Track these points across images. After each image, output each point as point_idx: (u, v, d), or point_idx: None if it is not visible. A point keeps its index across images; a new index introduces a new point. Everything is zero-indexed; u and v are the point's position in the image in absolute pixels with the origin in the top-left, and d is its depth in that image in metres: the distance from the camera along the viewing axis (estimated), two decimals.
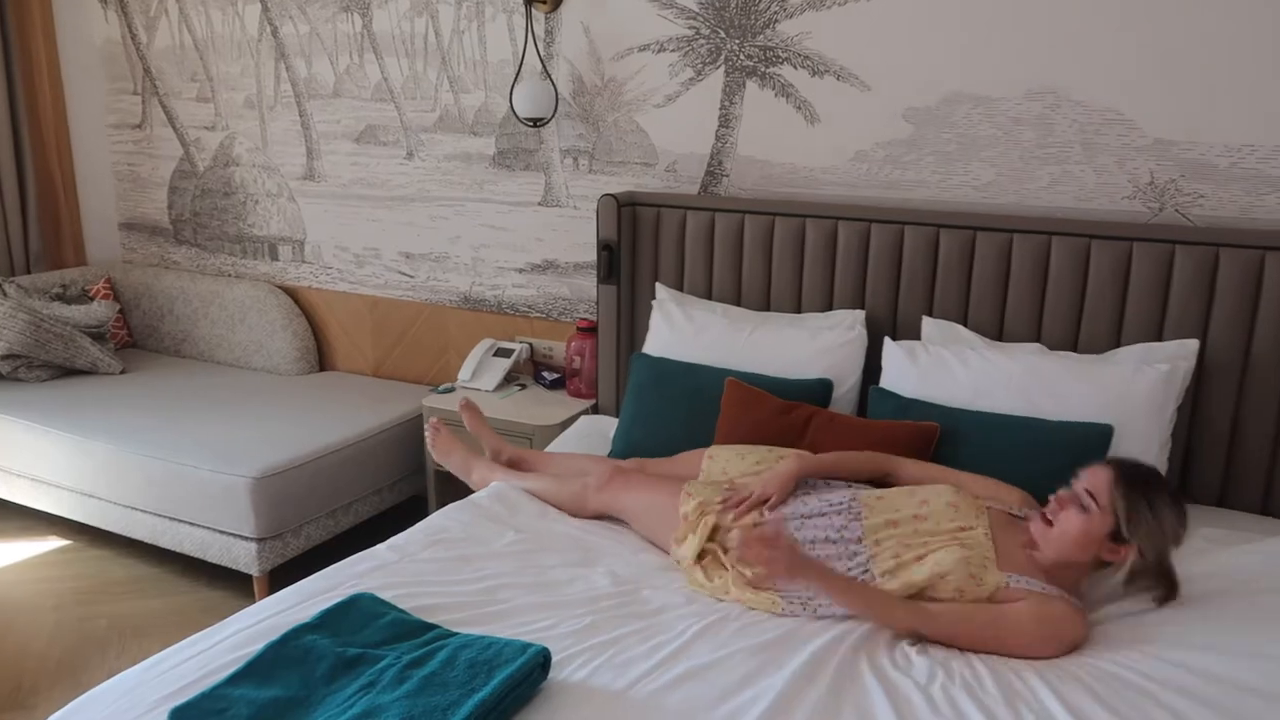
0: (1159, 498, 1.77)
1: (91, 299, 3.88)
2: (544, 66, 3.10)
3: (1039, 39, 2.47)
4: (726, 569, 1.94)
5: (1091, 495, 1.78)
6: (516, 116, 3.10)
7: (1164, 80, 2.36)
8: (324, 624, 1.63)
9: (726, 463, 2.22)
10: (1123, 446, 2.14)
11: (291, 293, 3.83)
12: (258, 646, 1.58)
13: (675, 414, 2.54)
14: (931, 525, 1.88)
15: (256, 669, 1.50)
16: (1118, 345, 2.35)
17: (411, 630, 1.65)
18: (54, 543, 3.35)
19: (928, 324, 2.52)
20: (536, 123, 3.10)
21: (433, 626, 1.67)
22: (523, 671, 1.49)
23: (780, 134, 2.84)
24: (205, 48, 3.82)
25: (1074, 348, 2.40)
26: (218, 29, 3.77)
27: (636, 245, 2.95)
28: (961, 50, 2.56)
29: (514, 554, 2.04)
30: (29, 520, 3.46)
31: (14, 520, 3.47)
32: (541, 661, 1.54)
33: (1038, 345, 2.39)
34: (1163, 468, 2.21)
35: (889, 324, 2.62)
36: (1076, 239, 2.38)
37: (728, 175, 2.95)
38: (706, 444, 2.41)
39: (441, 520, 2.18)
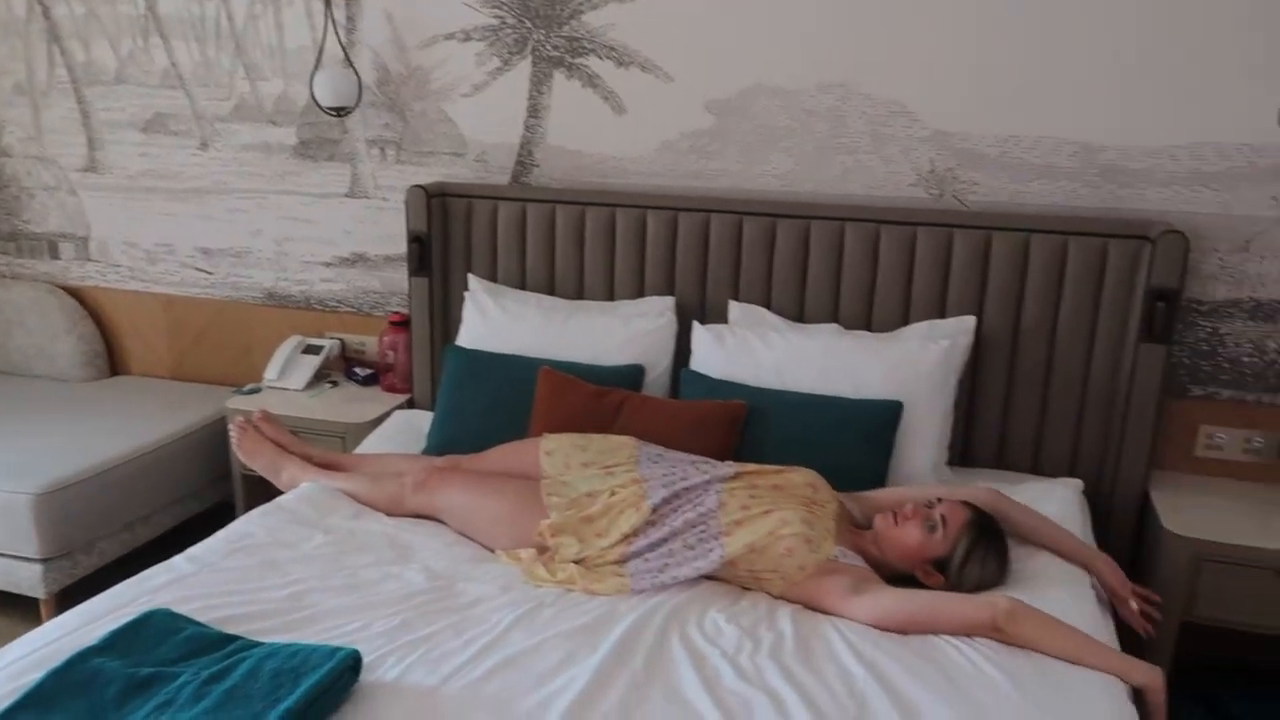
0: (993, 552, 1.92)
1: None
2: (346, 54, 3.00)
3: (829, 33, 2.60)
4: (572, 562, 1.94)
5: (944, 521, 1.91)
6: (318, 106, 2.99)
7: (940, 75, 2.54)
8: (113, 645, 1.54)
9: (566, 456, 2.17)
10: (910, 420, 2.29)
11: (75, 293, 3.56)
12: (37, 674, 1.47)
13: (490, 406, 2.53)
14: (787, 493, 1.97)
15: (36, 699, 1.40)
16: (906, 323, 2.51)
17: (211, 644, 1.58)
18: None
19: (734, 308, 2.61)
20: (340, 112, 3.00)
21: (235, 638, 1.60)
22: (330, 676, 1.46)
23: (589, 124, 2.87)
24: None
25: (868, 327, 2.55)
26: None
27: (448, 236, 2.91)
28: (758, 43, 2.66)
29: (323, 556, 1.98)
30: None
31: None
32: (351, 664, 1.51)
33: (835, 326, 2.53)
34: (946, 438, 2.38)
35: (698, 309, 2.70)
36: (867, 224, 2.52)
37: (538, 165, 2.95)
38: (521, 435, 2.42)
39: (245, 526, 2.09)
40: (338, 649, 1.52)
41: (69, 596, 2.65)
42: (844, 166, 2.68)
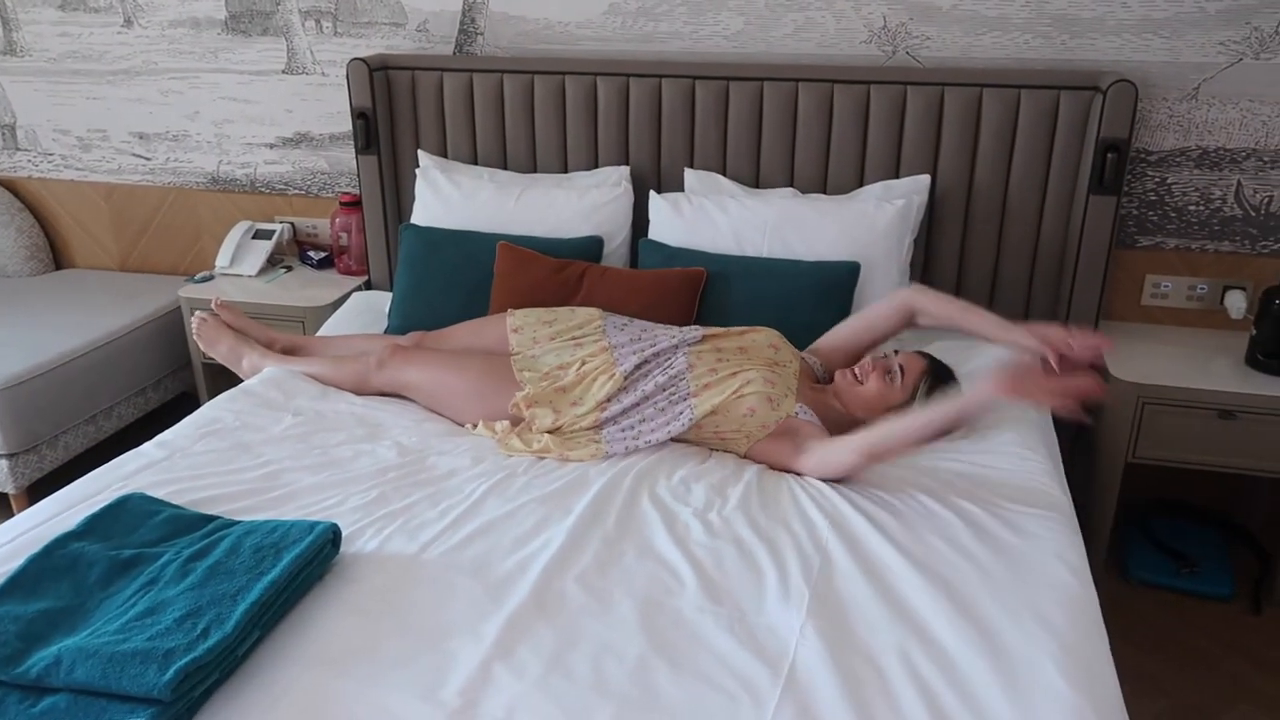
0: (949, 396, 1.94)
1: None
2: None
3: None
4: (546, 432, 1.98)
5: (901, 370, 1.96)
6: None
7: None
8: (92, 529, 1.56)
9: (534, 330, 2.18)
10: (867, 281, 2.33)
11: (9, 185, 3.43)
12: (18, 562, 1.49)
13: (450, 283, 2.52)
14: (751, 355, 2.01)
15: (20, 583, 1.42)
16: (861, 185, 2.52)
17: (190, 524, 1.60)
18: None
19: (689, 175, 2.60)
20: None
21: (213, 518, 1.63)
22: (312, 549, 1.50)
23: None
24: None
25: (824, 190, 2.55)
26: None
27: (394, 112, 2.83)
28: None
29: (294, 437, 2.00)
30: None
31: None
32: (331, 538, 1.55)
33: (791, 190, 2.53)
34: None
35: (653, 178, 2.68)
36: (820, 84, 2.49)
37: (482, 34, 2.86)
38: (483, 312, 2.42)
39: (212, 411, 2.09)
40: (316, 523, 1.56)
41: (39, 490, 2.66)
42: (795, 24, 2.62)
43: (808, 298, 2.26)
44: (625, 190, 2.60)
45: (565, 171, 2.75)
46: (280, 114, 3.12)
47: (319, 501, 1.76)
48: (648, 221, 2.58)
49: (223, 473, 1.85)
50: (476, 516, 1.71)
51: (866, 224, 2.34)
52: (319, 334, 2.61)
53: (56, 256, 3.48)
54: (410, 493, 1.79)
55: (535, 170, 2.78)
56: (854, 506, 1.72)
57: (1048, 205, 2.45)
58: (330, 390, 2.23)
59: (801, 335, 2.17)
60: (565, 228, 2.57)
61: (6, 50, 3.28)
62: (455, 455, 1.94)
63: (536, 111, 2.72)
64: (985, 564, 1.57)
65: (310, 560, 1.49)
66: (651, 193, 2.58)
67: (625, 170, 2.65)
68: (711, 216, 2.44)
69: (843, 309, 2.29)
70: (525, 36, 2.82)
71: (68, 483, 1.82)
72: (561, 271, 2.41)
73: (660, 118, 2.63)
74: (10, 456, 2.60)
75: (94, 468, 1.89)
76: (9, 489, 2.63)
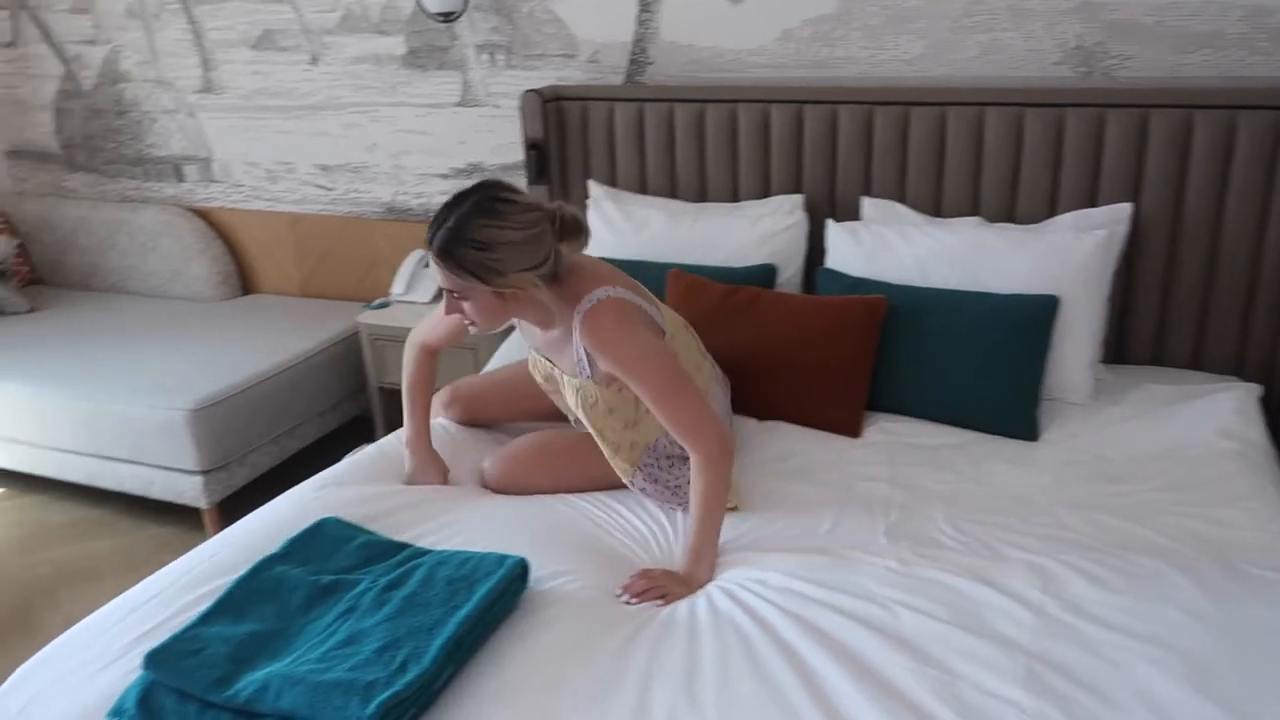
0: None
1: None
2: None
3: None
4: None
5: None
6: (425, 11, 2.94)
7: None
8: (292, 553, 1.60)
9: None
10: (1067, 315, 2.18)
11: (203, 215, 3.65)
12: (225, 582, 1.54)
13: None
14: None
15: (228, 606, 1.47)
16: (1053, 214, 2.38)
17: (383, 551, 1.63)
18: None
19: (867, 204, 2.52)
20: (447, 17, 2.95)
21: (404, 545, 1.65)
22: (502, 583, 1.49)
23: (704, 15, 2.75)
24: None
25: (1011, 218, 2.42)
26: None
27: (565, 142, 2.86)
28: None
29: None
30: None
31: None
32: (520, 572, 1.55)
33: (976, 219, 2.41)
34: (1101, 333, 2.26)
35: (828, 206, 2.61)
36: (1009, 109, 2.37)
37: (652, 63, 2.86)
38: None
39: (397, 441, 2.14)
40: (505, 557, 1.56)
41: (228, 507, 2.80)
42: (980, 46, 2.52)
43: (1003, 331, 2.13)
44: (799, 219, 2.54)
45: (736, 200, 2.71)
46: (453, 145, 3.20)
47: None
48: (822, 251, 2.51)
49: (403, 497, 1.88)
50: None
51: (1063, 255, 2.20)
52: (489, 364, 2.62)
53: (244, 282, 3.67)
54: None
55: (706, 199, 2.75)
56: (1071, 567, 1.59)
57: (1268, 238, 2.24)
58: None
59: (998, 371, 2.07)
60: (737, 256, 2.53)
61: (205, 88, 3.50)
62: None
63: (708, 140, 2.69)
64: (1230, 637, 1.42)
65: (501, 594, 1.49)
66: (829, 221, 2.50)
67: (799, 199, 2.59)
68: (893, 246, 2.35)
69: (1041, 344, 2.15)
70: (696, 65, 2.81)
71: (252, 500, 1.89)
72: (732, 297, 2.36)
73: (836, 145, 2.56)
74: (205, 473, 2.73)
75: (278, 486, 1.95)
76: (201, 504, 2.77)
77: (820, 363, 2.20)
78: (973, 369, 2.11)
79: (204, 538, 2.74)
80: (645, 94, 2.76)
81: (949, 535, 1.72)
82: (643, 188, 2.81)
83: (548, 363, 1.93)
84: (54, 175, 3.91)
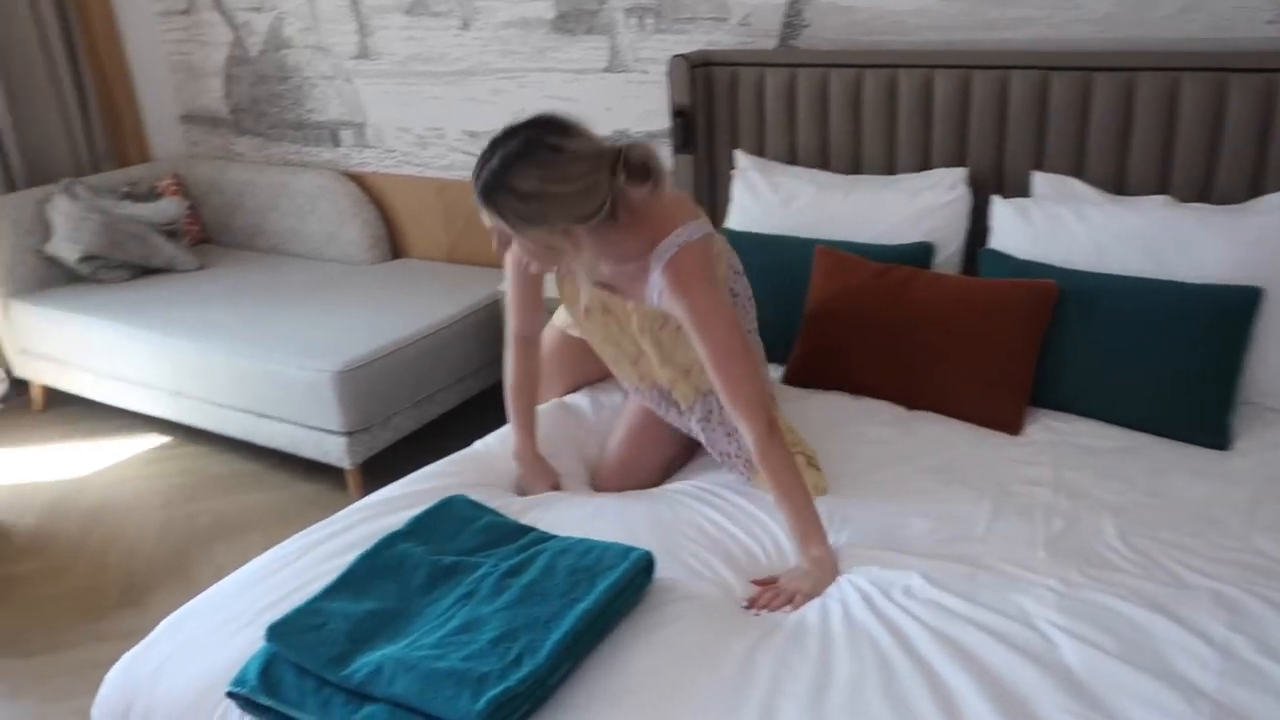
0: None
1: (160, 196, 3.83)
2: None
3: None
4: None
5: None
6: None
7: None
8: (416, 531, 1.59)
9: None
10: (1271, 309, 1.93)
11: (357, 179, 3.73)
12: (351, 558, 1.54)
13: (764, 291, 2.39)
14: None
15: (350, 582, 1.47)
16: (1258, 193, 2.11)
17: (508, 534, 1.59)
18: (153, 440, 3.41)
19: (1038, 179, 2.30)
20: None
21: (529, 529, 1.61)
22: (625, 577, 1.43)
23: None
24: None
25: (1207, 198, 2.17)
26: None
27: (712, 109, 2.75)
28: None
29: None
30: (125, 420, 3.52)
31: (110, 420, 3.53)
32: (644, 566, 1.48)
33: (1165, 198, 2.17)
34: None
35: (994, 181, 2.40)
36: (1210, 74, 2.11)
37: (808, 25, 2.71)
38: (796, 320, 2.28)
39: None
40: (630, 549, 1.49)
41: (370, 468, 2.86)
42: (1178, 3, 2.25)
43: (1193, 327, 1.90)
44: (961, 194, 2.35)
45: (892, 173, 2.54)
46: (600, 112, 3.14)
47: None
48: (985, 229, 2.32)
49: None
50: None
51: (1271, 241, 1.95)
52: None
53: (394, 246, 3.74)
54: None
55: (859, 172, 2.59)
56: (1266, 602, 1.40)
57: None
58: None
59: (1186, 370, 1.88)
60: (892, 233, 2.37)
61: (361, 54, 3.55)
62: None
63: (864, 108, 2.53)
64: None
65: (623, 589, 1.42)
66: (994, 198, 2.31)
67: (962, 172, 2.39)
68: (1067, 225, 2.14)
69: (1239, 341, 1.91)
70: (854, 28, 2.64)
71: (394, 461, 1.89)
72: (884, 276, 2.21)
73: (1005, 114, 2.35)
74: (349, 435, 2.79)
75: (418, 449, 1.96)
76: (345, 464, 2.84)
77: (979, 351, 2.03)
78: (1155, 366, 1.90)
79: (347, 497, 2.83)
80: (799, 59, 2.61)
81: (1119, 553, 1.55)
82: (792, 158, 2.68)
83: (605, 293, 1.83)
84: (223, 139, 4.08)
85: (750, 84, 2.67)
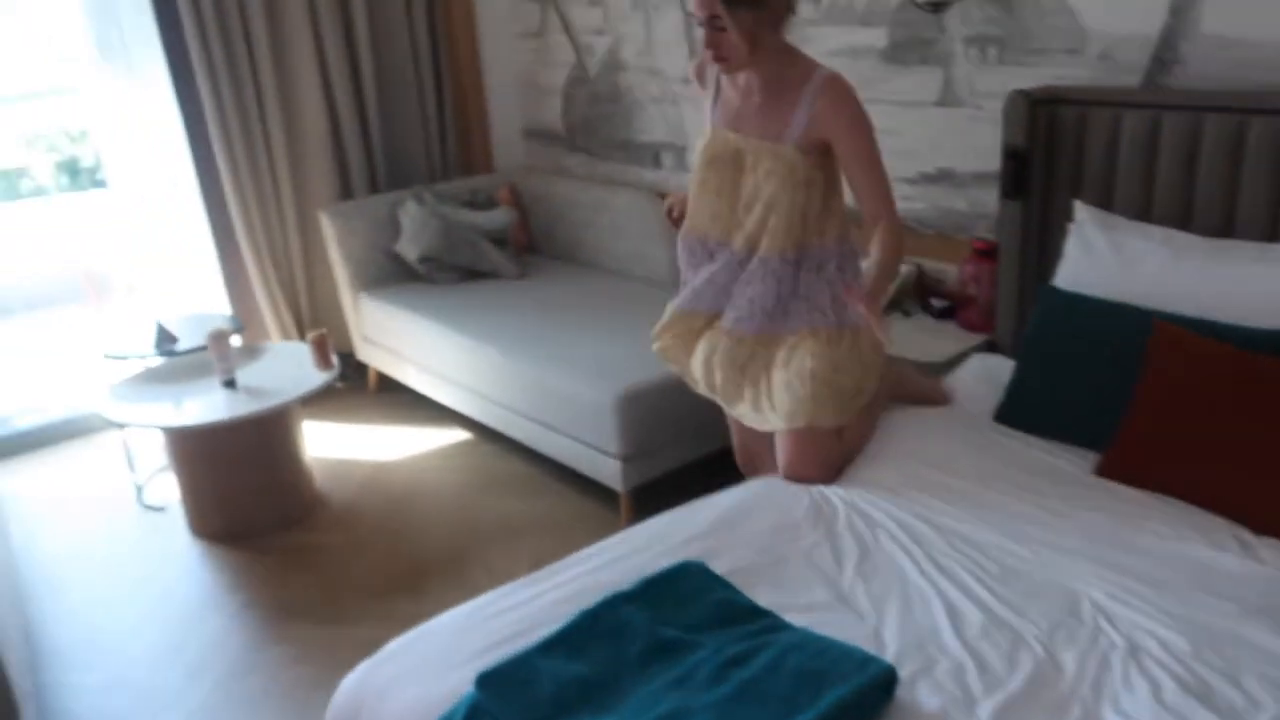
0: None
1: (496, 205, 4.09)
2: None
3: None
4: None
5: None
6: (914, 2, 2.67)
7: None
8: (644, 595, 1.50)
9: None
10: None
11: None
12: (573, 610, 1.49)
13: (1089, 364, 2.08)
14: None
15: (567, 639, 1.41)
16: None
17: (739, 615, 1.47)
18: (458, 434, 3.63)
19: None
20: (937, 7, 2.65)
21: (764, 614, 1.47)
22: (857, 693, 1.25)
23: (1267, 1, 2.15)
24: None
25: None
26: None
27: (1053, 152, 2.44)
28: None
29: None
30: (437, 411, 3.78)
31: (426, 410, 3.81)
32: (883, 682, 1.29)
33: None
34: None
35: None
36: None
37: (1181, 62, 2.31)
38: (1123, 404, 1.95)
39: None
40: (870, 659, 1.31)
41: (641, 494, 2.84)
42: None
43: None
44: None
45: (1274, 240, 2.11)
46: (925, 148, 2.90)
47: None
48: None
49: (792, 562, 1.70)
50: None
51: None
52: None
53: None
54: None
55: (1230, 235, 2.17)
56: None
57: None
58: None
59: None
60: (1263, 314, 1.95)
61: (689, 78, 3.55)
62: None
63: (1245, 161, 2.11)
64: None
65: (852, 706, 1.25)
66: None
67: None
68: None
69: None
70: (1242, 65, 2.21)
71: (665, 491, 1.86)
72: (1248, 366, 1.82)
73: None
74: (624, 459, 2.79)
75: (689, 483, 1.92)
76: (618, 487, 2.84)
77: None
78: None
79: (616, 518, 2.84)
80: (1168, 99, 2.24)
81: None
82: (1145, 214, 2.30)
83: (737, 137, 2.04)
84: (557, 154, 4.28)
85: (1103, 126, 2.33)
